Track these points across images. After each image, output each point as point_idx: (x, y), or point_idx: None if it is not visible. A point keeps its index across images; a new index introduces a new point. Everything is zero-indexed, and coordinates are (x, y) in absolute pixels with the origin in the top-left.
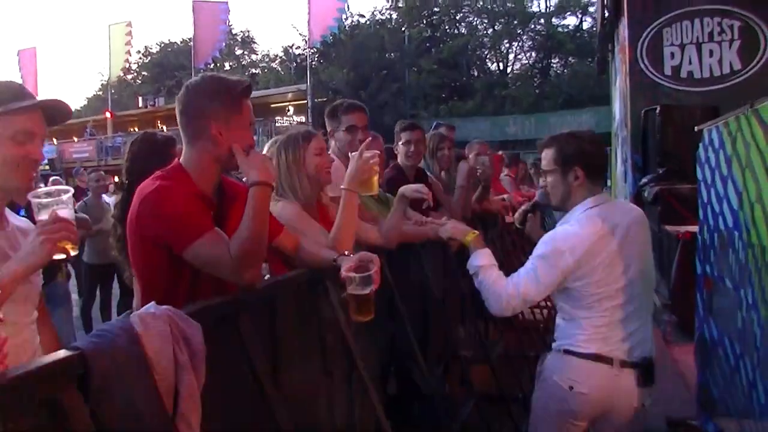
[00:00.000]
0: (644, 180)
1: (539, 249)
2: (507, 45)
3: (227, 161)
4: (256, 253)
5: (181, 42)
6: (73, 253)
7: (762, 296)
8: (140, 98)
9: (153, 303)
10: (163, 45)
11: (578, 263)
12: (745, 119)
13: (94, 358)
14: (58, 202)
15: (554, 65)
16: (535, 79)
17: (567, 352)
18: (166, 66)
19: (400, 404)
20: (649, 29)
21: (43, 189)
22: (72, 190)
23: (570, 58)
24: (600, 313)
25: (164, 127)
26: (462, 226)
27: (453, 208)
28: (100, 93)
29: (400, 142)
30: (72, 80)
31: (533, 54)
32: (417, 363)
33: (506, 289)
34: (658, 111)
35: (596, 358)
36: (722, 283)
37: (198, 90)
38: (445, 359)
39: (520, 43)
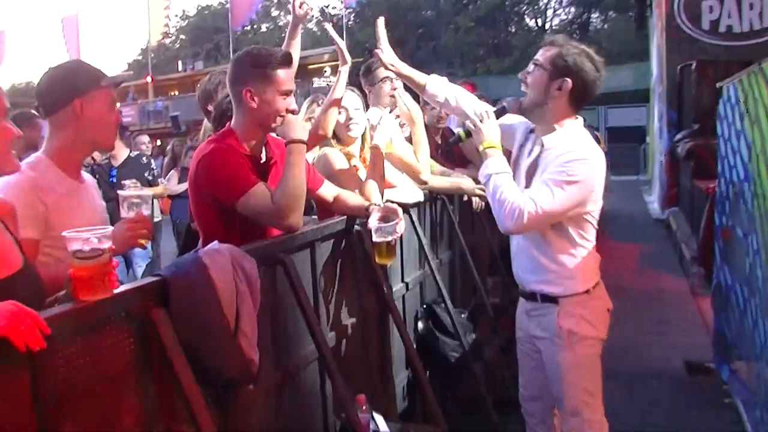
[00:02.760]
0: (678, 136)
1: (560, 172)
2: (545, 0)
3: (267, 124)
4: (294, 202)
5: (218, 4)
6: (146, 245)
7: (764, 241)
8: (179, 62)
9: (216, 242)
10: (200, 8)
11: (594, 189)
12: (755, 77)
13: (173, 284)
14: (145, 202)
15: (594, 20)
16: (575, 35)
17: (581, 293)
18: (204, 29)
19: (427, 343)
20: None
21: (132, 192)
22: (152, 192)
23: (610, 13)
24: (591, 241)
25: None
26: (490, 129)
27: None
28: (140, 58)
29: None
30: (112, 46)
31: (572, 9)
32: (444, 304)
33: (522, 201)
34: (693, 67)
35: (595, 286)
36: (734, 232)
37: (237, 61)
38: (472, 305)
39: None
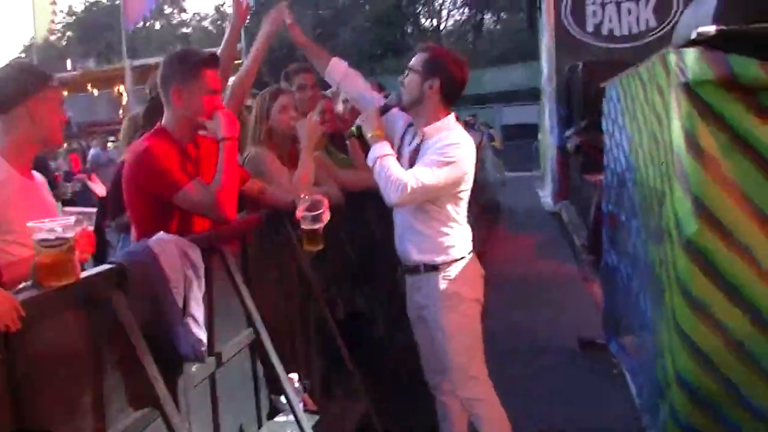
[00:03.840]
0: (568, 132)
1: (439, 155)
2: (440, 1)
3: (195, 122)
4: (229, 195)
5: (107, 1)
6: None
7: (643, 224)
8: (69, 61)
9: (162, 232)
10: (88, 4)
11: (467, 171)
12: (633, 78)
13: (129, 269)
14: (88, 218)
15: (487, 21)
16: (468, 36)
17: (458, 259)
18: (93, 27)
19: (347, 327)
20: None
21: (77, 209)
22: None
23: (502, 14)
24: (465, 216)
25: (95, 91)
26: (375, 121)
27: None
28: (24, 56)
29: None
30: None
31: (466, 10)
32: (361, 289)
33: (406, 177)
34: (580, 67)
35: (470, 254)
36: (619, 217)
37: (166, 62)
38: (387, 291)
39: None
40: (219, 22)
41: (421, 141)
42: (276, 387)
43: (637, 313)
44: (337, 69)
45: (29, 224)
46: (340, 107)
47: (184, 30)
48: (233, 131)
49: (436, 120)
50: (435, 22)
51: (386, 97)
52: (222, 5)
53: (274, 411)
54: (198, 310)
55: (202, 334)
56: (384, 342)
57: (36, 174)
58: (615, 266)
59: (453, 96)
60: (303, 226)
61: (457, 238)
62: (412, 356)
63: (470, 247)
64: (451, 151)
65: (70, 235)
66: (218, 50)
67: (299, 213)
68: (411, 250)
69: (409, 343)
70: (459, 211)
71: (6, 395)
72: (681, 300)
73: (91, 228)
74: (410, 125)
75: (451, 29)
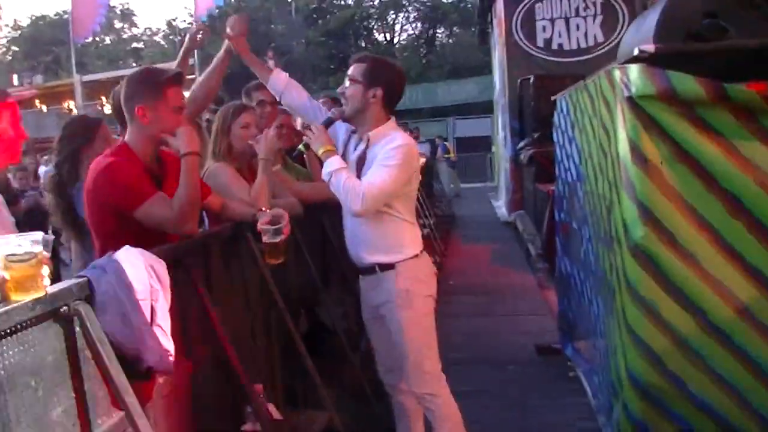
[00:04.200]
0: (521, 144)
1: (388, 158)
2: (393, 16)
3: (159, 139)
4: (192, 209)
5: (54, 15)
6: None
7: (594, 231)
8: (15, 76)
9: (127, 246)
10: (34, 18)
11: (415, 170)
12: (581, 91)
13: (96, 282)
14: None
15: (440, 35)
16: (422, 50)
17: (412, 257)
18: (40, 41)
19: (310, 339)
20: (522, 4)
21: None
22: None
23: (455, 28)
24: (414, 215)
25: (44, 107)
26: (324, 137)
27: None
28: None
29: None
30: None
31: (419, 24)
32: (321, 302)
33: (362, 187)
34: (532, 81)
35: (422, 252)
36: (571, 225)
37: (130, 80)
38: (346, 302)
39: (405, 14)
40: (171, 37)
41: (367, 147)
42: (242, 397)
43: (591, 317)
44: (279, 80)
45: None
46: (298, 122)
47: (135, 45)
48: (195, 146)
49: (379, 125)
50: (388, 36)
51: (330, 114)
52: (174, 20)
53: (240, 420)
54: (165, 321)
55: (170, 345)
56: (346, 351)
57: None
58: (568, 273)
59: (394, 102)
60: (264, 240)
61: (409, 237)
62: (373, 364)
63: (421, 245)
64: (399, 152)
65: (37, 249)
66: (169, 64)
67: (260, 226)
68: (364, 251)
69: (370, 352)
70: (409, 210)
71: None
72: (630, 302)
73: (48, 253)
74: (353, 132)
75: (404, 43)
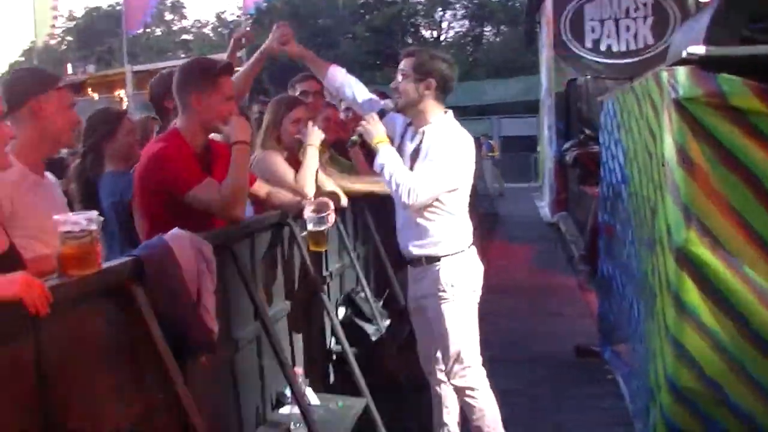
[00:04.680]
0: (566, 145)
1: (441, 153)
2: (441, 13)
3: (210, 126)
4: (240, 196)
5: (108, 6)
6: None
7: (637, 233)
8: (69, 65)
9: (177, 228)
10: (88, 9)
11: (468, 165)
12: (628, 93)
13: (146, 261)
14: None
15: (486, 34)
16: (468, 48)
17: (459, 252)
18: (94, 32)
19: (349, 327)
20: (571, 5)
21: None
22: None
23: (502, 27)
24: (465, 210)
25: (96, 95)
26: (377, 127)
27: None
28: (23, 59)
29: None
30: None
31: (466, 22)
32: (363, 292)
33: (413, 181)
34: (579, 82)
35: (469, 247)
36: (615, 228)
37: (183, 68)
38: (385, 295)
39: (453, 11)
40: (219, 29)
41: (421, 140)
42: (281, 380)
43: (631, 320)
44: (336, 75)
45: (55, 217)
46: (342, 115)
47: (185, 36)
48: (246, 136)
49: (433, 118)
50: (435, 33)
51: (383, 105)
52: (222, 12)
53: (279, 403)
54: (210, 302)
55: (214, 325)
56: (384, 340)
57: (48, 174)
58: (610, 275)
59: (446, 92)
60: (309, 228)
61: (457, 232)
62: (410, 355)
63: (470, 240)
64: (452, 148)
65: (93, 227)
66: (217, 56)
67: (305, 215)
68: (412, 243)
69: (407, 343)
70: (459, 205)
71: (33, 376)
72: (671, 306)
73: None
74: (409, 124)
75: (450, 41)
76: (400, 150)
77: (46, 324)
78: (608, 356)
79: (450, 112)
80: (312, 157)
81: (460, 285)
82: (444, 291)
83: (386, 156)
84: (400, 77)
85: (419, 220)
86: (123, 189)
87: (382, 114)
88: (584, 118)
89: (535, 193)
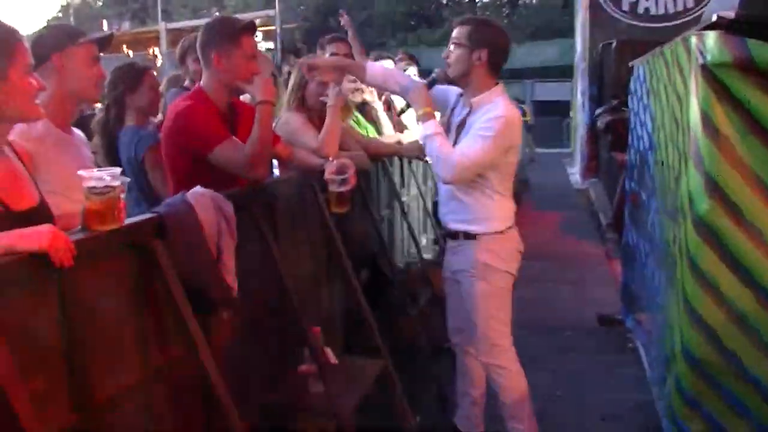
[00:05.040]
0: (598, 111)
1: (485, 128)
2: None
3: (233, 85)
4: (263, 155)
5: None
6: None
7: (661, 202)
8: (104, 22)
9: (199, 186)
10: None
11: (513, 143)
12: (657, 57)
13: (167, 219)
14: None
15: None
16: (504, 9)
17: (497, 232)
18: None
19: (370, 290)
20: None
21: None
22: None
23: None
24: (509, 189)
25: (130, 52)
26: (424, 98)
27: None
28: (60, 15)
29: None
30: (29, 2)
31: None
32: (384, 256)
33: (455, 155)
34: (614, 45)
35: (509, 228)
36: (640, 195)
37: (207, 27)
38: (407, 258)
39: None
40: (340, 15)
41: (468, 113)
42: (300, 339)
43: (652, 289)
44: (376, 72)
45: (80, 172)
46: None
47: None
48: (270, 96)
49: (483, 90)
50: None
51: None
52: None
53: (297, 361)
54: (230, 259)
55: (233, 282)
56: (405, 304)
57: (75, 130)
58: (635, 244)
59: (499, 65)
60: (330, 188)
61: (498, 211)
62: (430, 319)
63: (511, 220)
64: (496, 124)
65: (116, 183)
66: (250, 15)
67: (327, 175)
68: (451, 217)
69: (430, 308)
70: (502, 183)
71: (59, 326)
72: (690, 275)
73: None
74: (460, 95)
75: (486, 2)
76: (449, 122)
77: (71, 276)
78: (630, 325)
79: (501, 84)
80: (334, 120)
81: (495, 265)
82: (478, 270)
83: (428, 128)
84: (452, 47)
85: (459, 195)
86: (137, 144)
87: (432, 83)
88: (618, 84)
89: (567, 159)
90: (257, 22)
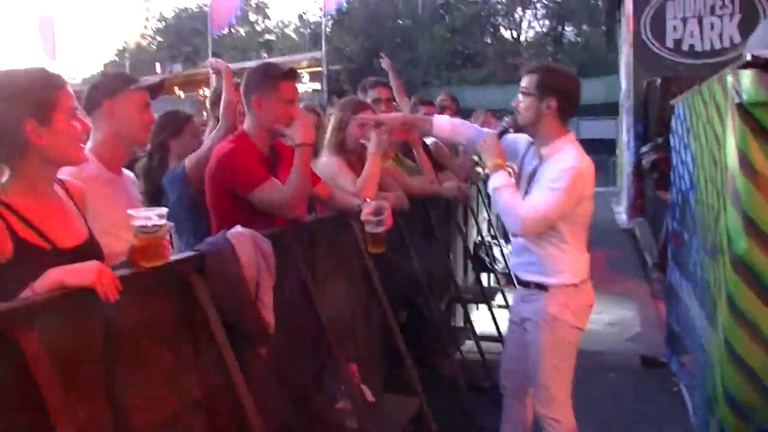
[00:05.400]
0: (643, 149)
1: (555, 180)
2: (520, 12)
3: (272, 128)
4: (301, 196)
5: (196, 7)
6: None
7: (701, 242)
8: (158, 65)
9: (239, 225)
10: (177, 11)
11: (585, 194)
12: (696, 96)
13: (208, 256)
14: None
15: (567, 33)
16: (549, 47)
17: (569, 285)
18: (181, 32)
19: (408, 331)
20: (652, 2)
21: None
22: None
23: (583, 26)
24: (583, 241)
25: (181, 93)
26: (494, 148)
27: (457, 171)
28: (117, 59)
29: (369, 100)
30: (88, 46)
31: (546, 21)
32: (423, 296)
33: (523, 209)
34: (658, 83)
35: (582, 282)
36: (682, 235)
37: (249, 73)
38: (448, 298)
39: (533, 11)
40: (301, 30)
41: (539, 164)
42: (336, 376)
43: (695, 330)
44: (442, 126)
45: (130, 211)
46: None
47: (268, 37)
48: (309, 138)
49: (554, 140)
50: (515, 33)
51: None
52: (304, 13)
53: (333, 398)
54: (267, 295)
55: (270, 318)
56: (443, 344)
57: (126, 172)
58: (678, 284)
59: (570, 112)
60: (366, 229)
61: (570, 263)
62: (466, 364)
63: (585, 273)
64: (566, 175)
65: (162, 222)
66: (298, 56)
67: (364, 216)
68: (523, 268)
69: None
70: (575, 235)
71: (103, 356)
72: (729, 314)
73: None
74: (531, 143)
75: (531, 41)
76: (520, 171)
77: (115, 310)
78: (674, 367)
79: (572, 133)
80: (374, 166)
81: (564, 318)
82: (546, 321)
83: (497, 181)
84: (520, 96)
85: (531, 246)
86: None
87: (503, 133)
88: (663, 121)
89: (614, 198)
90: (304, 63)
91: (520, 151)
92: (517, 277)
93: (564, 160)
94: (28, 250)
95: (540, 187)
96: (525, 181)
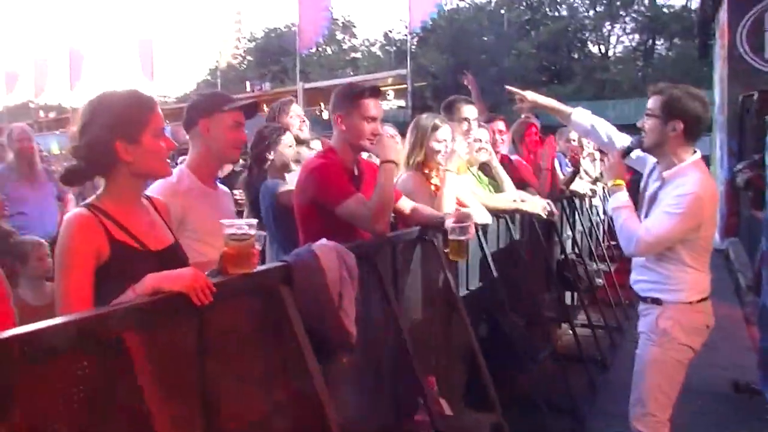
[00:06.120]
0: (738, 166)
1: (673, 205)
2: (609, 27)
3: (356, 144)
4: (385, 211)
5: (285, 27)
6: None
7: None
8: (247, 83)
9: (324, 238)
10: (267, 30)
11: (705, 219)
12: None
13: (294, 267)
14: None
15: (658, 47)
16: (638, 62)
17: (685, 303)
18: (271, 51)
19: (487, 343)
20: (749, 14)
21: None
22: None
23: (675, 40)
24: (704, 263)
25: None
26: (617, 168)
27: (540, 189)
28: (209, 78)
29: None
30: (183, 66)
31: (636, 36)
32: (503, 312)
33: (639, 231)
34: (755, 97)
35: (699, 301)
36: None
37: (335, 92)
38: (529, 316)
39: (622, 25)
40: (387, 48)
41: (660, 186)
42: (415, 388)
43: None
44: (582, 119)
45: (221, 221)
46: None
47: (354, 55)
48: (393, 155)
49: (678, 162)
50: (603, 48)
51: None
52: (390, 31)
53: (411, 411)
54: (350, 307)
55: (353, 329)
56: (523, 360)
57: (221, 186)
58: None
59: (696, 134)
60: (450, 237)
61: (688, 283)
62: (549, 380)
63: (705, 293)
64: (684, 201)
65: (252, 232)
66: (383, 74)
67: (448, 224)
68: (640, 283)
69: (548, 370)
70: (694, 258)
71: (196, 358)
72: None
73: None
74: (657, 163)
75: (620, 55)
76: (643, 190)
77: (208, 313)
78: None
79: (698, 153)
80: (450, 183)
81: (674, 335)
82: (655, 335)
83: (615, 201)
84: (646, 117)
85: (649, 265)
86: (274, 194)
87: (627, 152)
88: (760, 138)
89: None
90: (389, 80)
91: (647, 167)
92: (637, 294)
93: (684, 185)
94: (123, 250)
95: (658, 210)
96: (646, 202)
